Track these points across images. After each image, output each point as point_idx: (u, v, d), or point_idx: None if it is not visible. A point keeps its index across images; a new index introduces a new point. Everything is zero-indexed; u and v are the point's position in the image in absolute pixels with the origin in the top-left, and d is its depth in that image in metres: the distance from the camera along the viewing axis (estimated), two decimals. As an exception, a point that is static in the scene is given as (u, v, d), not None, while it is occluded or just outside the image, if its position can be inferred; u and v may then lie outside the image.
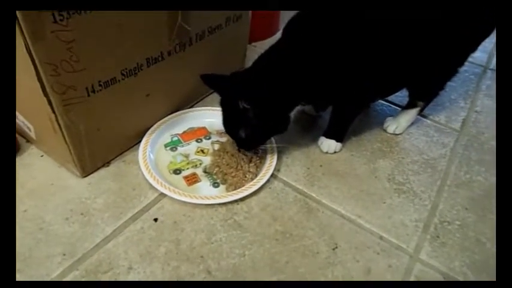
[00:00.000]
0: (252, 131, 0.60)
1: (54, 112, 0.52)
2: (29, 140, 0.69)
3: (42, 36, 0.45)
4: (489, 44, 1.04)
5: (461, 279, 0.54)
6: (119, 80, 0.58)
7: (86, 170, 0.63)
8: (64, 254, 0.53)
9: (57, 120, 0.53)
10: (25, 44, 0.44)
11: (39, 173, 0.64)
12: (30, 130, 0.64)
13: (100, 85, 0.55)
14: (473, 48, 0.71)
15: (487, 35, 0.66)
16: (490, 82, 0.99)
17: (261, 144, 0.66)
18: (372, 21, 0.57)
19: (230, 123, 0.63)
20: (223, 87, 0.61)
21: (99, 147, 0.63)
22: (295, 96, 0.62)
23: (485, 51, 1.09)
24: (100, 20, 0.50)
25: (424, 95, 0.77)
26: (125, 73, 0.58)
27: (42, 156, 0.67)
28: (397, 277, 0.54)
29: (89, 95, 0.55)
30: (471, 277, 0.54)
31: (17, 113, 0.62)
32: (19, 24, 0.42)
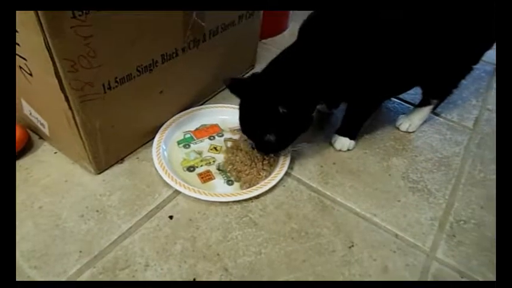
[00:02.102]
0: (282, 134, 0.60)
1: (70, 108, 0.52)
2: (42, 137, 0.69)
3: (62, 32, 0.44)
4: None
5: (479, 278, 0.54)
6: (135, 77, 0.58)
7: (100, 166, 0.63)
8: (81, 251, 0.53)
9: (73, 116, 0.53)
10: (44, 40, 0.44)
11: (53, 170, 0.63)
12: (44, 127, 0.63)
13: (116, 81, 0.55)
14: (489, 46, 0.70)
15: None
16: (501, 80, 0.98)
17: (286, 147, 0.65)
18: (386, 20, 0.57)
19: (256, 128, 0.61)
20: (253, 92, 0.59)
21: (113, 144, 0.63)
22: (320, 96, 0.61)
23: (496, 49, 1.08)
24: (117, 16, 0.49)
25: (438, 92, 0.77)
26: (141, 69, 0.58)
27: (55, 153, 0.67)
28: (415, 276, 0.54)
29: (105, 92, 0.54)
30: (490, 277, 0.54)
31: (31, 109, 0.62)
32: (39, 21, 0.42)
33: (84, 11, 0.45)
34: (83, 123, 0.54)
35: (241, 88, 0.61)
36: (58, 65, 0.46)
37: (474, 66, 0.74)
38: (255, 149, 0.66)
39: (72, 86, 0.49)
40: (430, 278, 0.54)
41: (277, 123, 0.58)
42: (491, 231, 0.61)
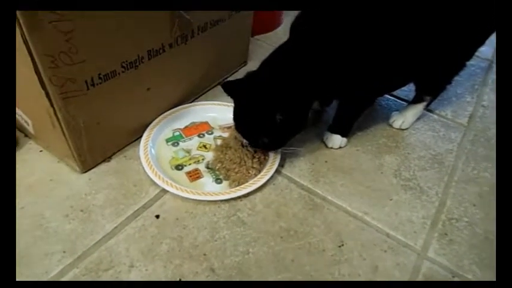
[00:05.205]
0: (276, 138, 0.60)
1: (52, 106, 0.51)
2: (27, 135, 0.67)
3: (40, 26, 0.43)
4: (495, 38, 1.02)
5: (470, 277, 0.53)
6: (119, 73, 0.56)
7: (86, 165, 0.62)
8: (64, 252, 0.51)
9: (55, 114, 0.52)
10: (22, 35, 0.42)
11: (38, 169, 0.62)
12: (28, 124, 0.62)
13: (100, 78, 0.54)
14: (481, 42, 0.69)
15: (495, 29, 0.65)
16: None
17: (280, 147, 0.64)
18: (378, 16, 0.56)
19: (250, 130, 0.60)
20: (249, 95, 0.58)
21: (99, 142, 0.61)
22: (315, 97, 0.60)
23: (491, 46, 1.07)
24: (99, 11, 0.48)
25: (432, 89, 0.76)
26: (125, 66, 0.57)
27: (41, 151, 0.65)
28: (405, 275, 0.53)
29: (88, 88, 0.53)
30: (480, 275, 0.53)
31: (14, 107, 0.61)
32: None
33: (63, 5, 0.44)
34: (66, 121, 0.53)
35: (236, 89, 0.60)
36: (37, 60, 0.45)
37: (468, 63, 0.73)
38: (245, 147, 0.65)
39: (53, 82, 0.48)
40: (420, 278, 0.53)
41: (272, 129, 0.58)
42: (482, 229, 0.60)
